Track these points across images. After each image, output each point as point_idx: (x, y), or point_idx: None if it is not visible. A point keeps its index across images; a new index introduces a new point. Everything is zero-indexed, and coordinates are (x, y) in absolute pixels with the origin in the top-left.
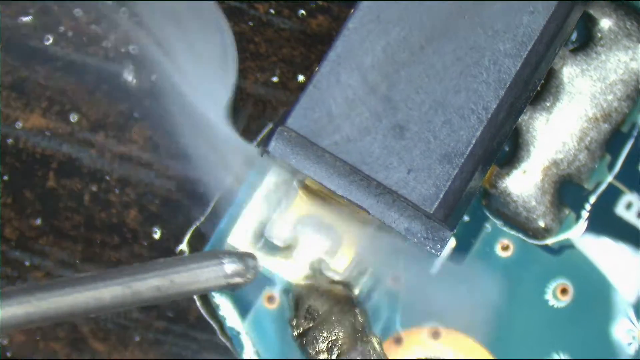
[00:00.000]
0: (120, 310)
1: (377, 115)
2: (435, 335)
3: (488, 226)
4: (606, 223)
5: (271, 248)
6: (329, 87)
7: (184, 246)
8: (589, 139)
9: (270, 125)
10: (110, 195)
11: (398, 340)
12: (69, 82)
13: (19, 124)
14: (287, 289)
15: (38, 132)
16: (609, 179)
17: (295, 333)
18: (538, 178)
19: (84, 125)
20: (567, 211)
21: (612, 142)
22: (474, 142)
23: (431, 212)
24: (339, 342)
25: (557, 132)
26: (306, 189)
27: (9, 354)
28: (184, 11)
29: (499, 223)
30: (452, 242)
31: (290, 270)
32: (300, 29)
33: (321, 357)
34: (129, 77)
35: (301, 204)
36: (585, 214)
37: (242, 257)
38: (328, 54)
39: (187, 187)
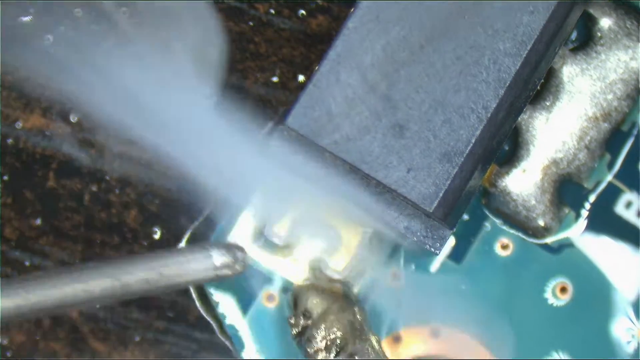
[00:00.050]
0: (110, 302)
1: (376, 115)
2: (435, 333)
3: (488, 225)
4: (606, 222)
5: (271, 247)
6: (328, 86)
7: (182, 246)
8: (588, 138)
9: (270, 124)
10: (110, 195)
11: (397, 339)
12: (69, 82)
13: (19, 124)
14: (287, 288)
15: (38, 132)
16: (609, 178)
17: (294, 331)
18: (538, 177)
19: (84, 125)
20: (566, 210)
21: (612, 141)
22: (473, 141)
23: (431, 211)
24: (338, 341)
25: (557, 131)
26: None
27: (9, 354)
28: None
29: (498, 222)
30: (451, 241)
31: (290, 269)
32: (300, 29)
33: (319, 356)
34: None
35: (301, 203)
36: (584, 212)
37: (231, 249)
38: (328, 53)
39: (187, 187)
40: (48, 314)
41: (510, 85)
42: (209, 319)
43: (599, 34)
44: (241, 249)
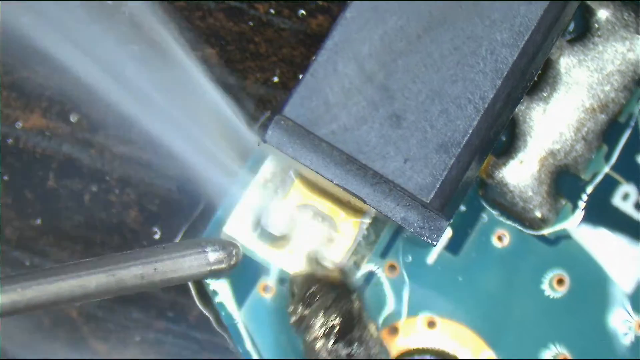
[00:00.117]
0: (105, 298)
1: (374, 105)
2: (431, 324)
3: (484, 216)
4: (603, 214)
5: (267, 237)
6: (326, 76)
7: (177, 240)
8: (585, 129)
9: (267, 114)
10: (110, 195)
11: (394, 330)
12: (69, 82)
13: (19, 124)
14: (283, 279)
15: (38, 132)
16: (606, 169)
17: (292, 319)
18: (535, 168)
19: (84, 125)
20: (563, 201)
21: (609, 132)
22: (470, 131)
23: (428, 201)
24: (336, 328)
25: (554, 123)
26: (303, 178)
27: (9, 354)
28: None
29: (495, 213)
30: (448, 232)
31: (287, 260)
32: (300, 29)
33: (318, 344)
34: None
35: (298, 193)
36: (581, 204)
37: (225, 244)
38: (325, 43)
39: (187, 187)
40: (44, 309)
41: (508, 75)
42: (205, 310)
43: (596, 25)
44: (234, 245)
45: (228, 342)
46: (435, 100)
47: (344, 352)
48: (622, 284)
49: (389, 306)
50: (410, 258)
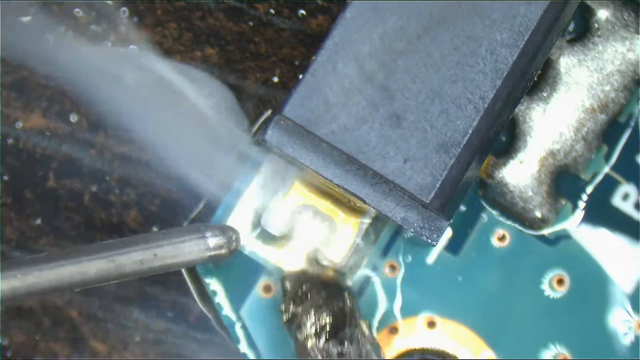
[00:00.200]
0: (105, 284)
1: (373, 105)
2: (431, 324)
3: (484, 216)
4: (603, 214)
5: (267, 237)
6: (325, 75)
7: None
8: (585, 129)
9: (267, 114)
10: (110, 195)
11: (394, 330)
12: (69, 82)
13: (19, 124)
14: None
15: (38, 132)
16: (606, 169)
17: (284, 318)
18: (535, 168)
19: (84, 125)
20: (563, 202)
21: (609, 132)
22: (470, 131)
23: (427, 201)
24: (327, 327)
25: (554, 123)
26: (303, 178)
27: (9, 354)
28: None
29: (495, 213)
30: (448, 232)
31: (287, 260)
32: (300, 29)
33: (309, 343)
34: (129, 77)
35: (298, 193)
36: (581, 204)
37: (224, 230)
38: (325, 43)
39: (187, 187)
40: (44, 295)
41: (508, 76)
42: (205, 310)
43: (596, 25)
44: (234, 230)
45: (228, 342)
46: (435, 100)
47: (335, 350)
48: (622, 284)
49: (389, 306)
50: (410, 258)
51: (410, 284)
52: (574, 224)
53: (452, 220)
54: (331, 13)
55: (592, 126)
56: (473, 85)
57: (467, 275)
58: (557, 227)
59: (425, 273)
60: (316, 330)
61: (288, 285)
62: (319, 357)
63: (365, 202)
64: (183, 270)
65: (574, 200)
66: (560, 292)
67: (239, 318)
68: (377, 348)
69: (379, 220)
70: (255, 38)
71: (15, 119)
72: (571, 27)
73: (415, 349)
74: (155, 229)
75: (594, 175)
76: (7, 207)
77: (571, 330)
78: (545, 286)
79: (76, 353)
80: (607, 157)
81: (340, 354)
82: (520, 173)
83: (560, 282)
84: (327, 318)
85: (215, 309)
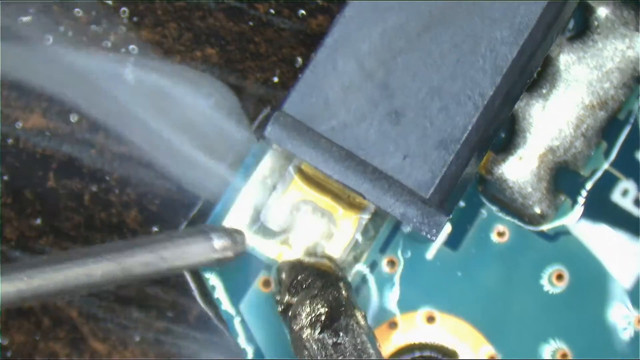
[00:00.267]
0: (111, 287)
1: (373, 101)
2: (430, 319)
3: (484, 212)
4: (602, 210)
5: (267, 232)
6: (325, 72)
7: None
8: (585, 126)
9: (267, 110)
10: (110, 195)
11: (393, 325)
12: (69, 82)
13: (19, 124)
14: None
15: (38, 132)
16: (605, 166)
17: (279, 309)
18: (534, 165)
19: (84, 125)
20: (563, 198)
21: (608, 129)
22: (470, 128)
23: (427, 197)
24: (322, 317)
25: (554, 119)
26: (302, 173)
27: (9, 354)
28: None
29: (494, 209)
30: (448, 228)
31: (286, 255)
32: (300, 29)
33: (305, 333)
34: (129, 77)
35: (297, 189)
36: (581, 200)
37: (230, 232)
38: (325, 40)
39: (187, 184)
40: (50, 298)
41: (507, 73)
42: (204, 305)
43: (596, 23)
44: (240, 232)
45: (228, 338)
46: (435, 97)
47: (330, 341)
48: (621, 280)
49: (388, 301)
50: (409, 253)
51: (410, 279)
52: (574, 220)
53: (451, 216)
54: (331, 13)
55: (591, 123)
56: (473, 82)
57: (467, 270)
58: (557, 223)
59: (424, 268)
60: (311, 320)
61: (283, 275)
62: (314, 348)
63: (364, 198)
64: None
65: (573, 196)
66: (559, 287)
67: (238, 312)
68: (372, 338)
69: (378, 216)
70: (255, 38)
71: (15, 119)
72: (571, 25)
73: (414, 344)
74: (155, 229)
75: (594, 172)
76: (7, 207)
77: (570, 326)
78: (544, 282)
79: (76, 353)
80: (607, 154)
81: (336, 345)
82: (520, 169)
83: (559, 277)
84: (323, 308)
85: (215, 304)
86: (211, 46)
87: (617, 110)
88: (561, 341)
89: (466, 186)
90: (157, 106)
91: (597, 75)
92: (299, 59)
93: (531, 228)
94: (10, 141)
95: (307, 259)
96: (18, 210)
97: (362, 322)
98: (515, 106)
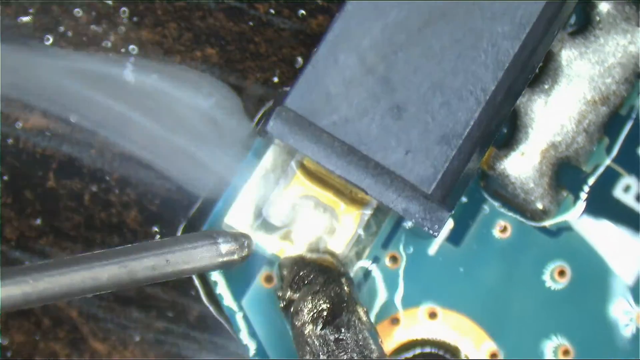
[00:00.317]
0: (116, 290)
1: (375, 96)
2: (432, 315)
3: (486, 208)
4: (604, 205)
5: (269, 228)
6: (327, 67)
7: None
8: (587, 121)
9: (268, 105)
10: (110, 195)
11: (395, 321)
12: (69, 82)
13: (19, 124)
14: None
15: (38, 132)
16: (607, 161)
17: (281, 305)
18: (536, 160)
19: (84, 125)
20: (565, 193)
21: (610, 125)
22: (472, 123)
23: (429, 192)
24: (324, 313)
25: (556, 115)
26: (304, 169)
27: (9, 354)
28: None
29: (497, 205)
30: (450, 223)
31: (288, 250)
32: (300, 29)
33: (307, 329)
34: (129, 77)
35: (299, 184)
36: (583, 196)
37: (237, 236)
38: (326, 35)
39: (187, 186)
40: (55, 301)
41: (509, 68)
42: (205, 300)
43: (597, 18)
44: (246, 236)
45: (228, 338)
46: (437, 92)
47: (332, 337)
48: (623, 276)
49: (390, 297)
50: (411, 249)
51: (412, 275)
52: (575, 216)
53: (453, 212)
54: (331, 13)
55: (593, 118)
56: (474, 77)
57: (469, 266)
58: (559, 219)
59: (426, 264)
60: (313, 316)
61: (285, 271)
62: (316, 344)
63: (366, 193)
64: None
65: (575, 192)
66: (561, 283)
67: (241, 308)
68: (374, 334)
69: (380, 211)
70: (255, 38)
71: (15, 119)
72: (573, 20)
73: (416, 340)
74: (155, 229)
75: (596, 167)
76: (7, 207)
77: (572, 322)
78: (546, 277)
79: (76, 353)
80: (609, 149)
81: (338, 341)
82: (522, 165)
83: (561, 273)
84: (325, 304)
85: (216, 299)
86: (211, 46)
87: (619, 106)
88: (563, 337)
89: (468, 182)
90: (157, 106)
91: (599, 71)
92: (299, 59)
93: (533, 224)
94: (10, 141)
95: (309, 255)
96: (18, 210)
97: (364, 318)
98: (517, 102)
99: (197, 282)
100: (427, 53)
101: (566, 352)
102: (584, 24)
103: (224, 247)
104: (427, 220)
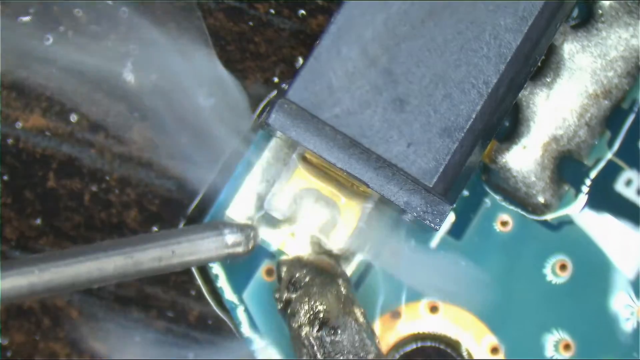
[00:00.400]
0: (123, 281)
1: (377, 89)
2: (434, 309)
3: (487, 201)
4: (606, 199)
5: (270, 221)
6: (329, 59)
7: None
8: (589, 115)
9: (270, 97)
10: (110, 195)
11: (396, 315)
12: (69, 82)
13: (19, 124)
14: None
15: (38, 132)
16: (609, 155)
17: (279, 306)
18: (538, 154)
19: (84, 125)
20: (566, 187)
21: (612, 118)
22: (474, 116)
23: (431, 186)
24: (321, 315)
25: (558, 108)
26: (306, 161)
27: (9, 354)
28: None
29: (498, 198)
30: (451, 217)
31: (290, 243)
32: (300, 29)
33: (303, 331)
34: (129, 77)
35: (301, 177)
36: (584, 190)
37: (242, 227)
38: (329, 27)
39: (187, 187)
40: (61, 292)
41: (511, 61)
42: (207, 295)
43: (600, 11)
44: (252, 227)
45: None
46: (439, 85)
47: (328, 339)
48: (624, 270)
49: (391, 291)
50: (413, 243)
51: (413, 268)
52: (577, 210)
53: (455, 205)
54: (331, 13)
55: (595, 112)
56: (477, 70)
57: (470, 260)
58: (560, 213)
59: (428, 258)
60: (310, 318)
61: (282, 271)
62: (313, 346)
63: (368, 186)
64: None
65: (576, 185)
66: (562, 277)
67: (242, 301)
68: (371, 335)
69: (382, 204)
70: (255, 38)
71: (15, 119)
72: (575, 13)
73: (417, 334)
74: (155, 228)
75: (597, 161)
76: (7, 207)
77: (573, 316)
78: (547, 271)
79: (76, 353)
80: (610, 143)
81: (334, 343)
82: (524, 158)
83: (562, 267)
84: (321, 306)
85: (217, 292)
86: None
87: (621, 99)
88: (564, 331)
89: (470, 175)
90: (157, 106)
91: (601, 64)
92: (299, 59)
93: (535, 217)
94: (10, 141)
95: (306, 256)
96: (18, 210)
97: (361, 320)
98: (519, 95)
99: (195, 273)
100: (429, 45)
101: (567, 347)
102: (587, 17)
103: (230, 238)
104: (429, 213)
